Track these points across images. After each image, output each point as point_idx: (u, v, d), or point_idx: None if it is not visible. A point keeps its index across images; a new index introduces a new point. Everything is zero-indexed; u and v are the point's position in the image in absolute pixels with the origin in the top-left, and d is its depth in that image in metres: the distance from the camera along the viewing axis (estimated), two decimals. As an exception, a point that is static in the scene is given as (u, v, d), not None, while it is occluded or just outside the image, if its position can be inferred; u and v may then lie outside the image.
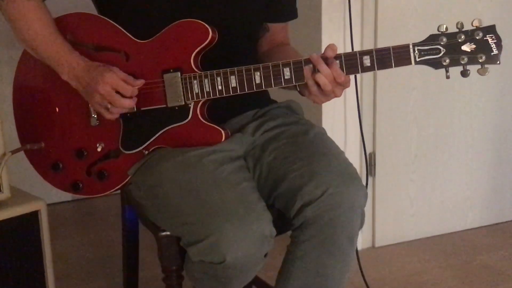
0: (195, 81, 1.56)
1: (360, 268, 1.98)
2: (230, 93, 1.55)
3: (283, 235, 1.69)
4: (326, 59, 1.49)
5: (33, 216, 1.70)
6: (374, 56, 1.47)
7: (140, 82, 1.57)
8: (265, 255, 1.51)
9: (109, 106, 1.56)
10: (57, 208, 2.93)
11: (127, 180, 1.65)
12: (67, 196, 2.99)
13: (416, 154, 2.67)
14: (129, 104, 1.57)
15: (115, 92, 1.55)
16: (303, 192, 1.52)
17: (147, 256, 2.11)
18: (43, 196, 1.79)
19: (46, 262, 1.74)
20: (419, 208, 2.72)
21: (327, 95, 1.53)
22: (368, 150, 2.54)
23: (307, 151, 1.60)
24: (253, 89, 1.54)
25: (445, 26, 1.45)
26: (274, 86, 1.54)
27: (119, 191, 1.85)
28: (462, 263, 2.57)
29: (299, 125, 1.69)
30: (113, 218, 2.46)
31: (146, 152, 1.62)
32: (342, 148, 1.68)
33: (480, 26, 1.44)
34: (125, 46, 1.61)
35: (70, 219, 2.97)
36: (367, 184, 2.46)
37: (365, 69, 1.49)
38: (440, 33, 1.45)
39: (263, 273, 2.08)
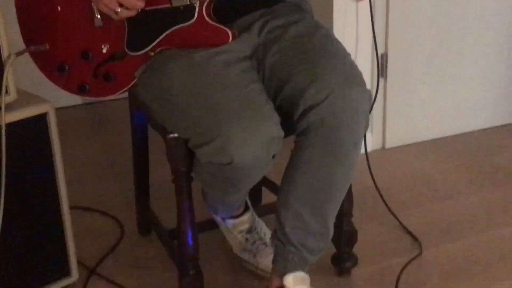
0: None
1: (370, 170, 1.99)
2: (237, -9, 1.51)
3: (292, 137, 1.69)
4: None
5: (41, 119, 1.69)
6: None
7: None
8: (273, 156, 1.51)
9: (118, 9, 1.51)
10: (66, 112, 2.94)
11: (134, 82, 1.63)
12: (76, 100, 2.99)
13: (429, 55, 2.62)
14: (140, 4, 1.52)
15: None
16: (306, 96, 1.49)
17: (157, 159, 2.11)
18: (52, 100, 1.78)
19: (56, 165, 1.74)
20: (431, 109, 2.70)
21: None
22: (380, 51, 2.49)
23: (311, 54, 1.57)
24: None
25: None
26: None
27: (127, 95, 1.84)
28: (474, 164, 2.57)
29: (305, 25, 1.64)
30: (122, 122, 2.46)
31: (152, 53, 1.59)
32: (353, 49, 1.65)
33: None
34: None
35: (79, 124, 2.98)
36: (377, 85, 2.42)
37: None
38: None
39: (272, 175, 2.10)
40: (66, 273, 1.82)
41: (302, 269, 1.63)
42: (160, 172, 2.16)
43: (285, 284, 1.61)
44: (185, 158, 1.59)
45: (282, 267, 1.63)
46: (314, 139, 1.53)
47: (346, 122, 1.51)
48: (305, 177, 1.58)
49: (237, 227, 1.85)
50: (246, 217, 1.84)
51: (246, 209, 1.85)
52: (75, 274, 1.84)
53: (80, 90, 1.65)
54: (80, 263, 1.89)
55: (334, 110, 1.49)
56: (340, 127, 1.51)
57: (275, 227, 1.66)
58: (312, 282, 1.68)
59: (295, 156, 1.59)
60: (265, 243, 1.88)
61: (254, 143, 1.43)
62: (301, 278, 1.62)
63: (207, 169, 1.53)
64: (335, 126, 1.51)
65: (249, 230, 1.86)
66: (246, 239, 1.86)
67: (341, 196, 1.64)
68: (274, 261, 1.67)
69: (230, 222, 1.84)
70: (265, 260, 1.84)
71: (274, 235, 1.66)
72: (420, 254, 2.00)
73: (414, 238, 2.08)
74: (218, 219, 1.86)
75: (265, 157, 1.48)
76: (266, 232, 1.91)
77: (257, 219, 1.91)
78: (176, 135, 1.58)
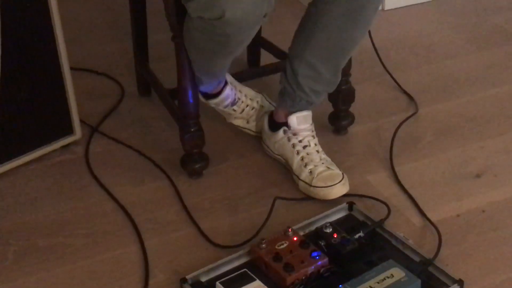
0: None
1: (369, 31, 1.98)
2: None
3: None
4: None
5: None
6: None
7: None
8: (265, 16, 1.49)
9: None
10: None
11: None
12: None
13: None
14: None
15: None
16: None
17: (155, 21, 2.10)
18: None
19: (55, 27, 1.73)
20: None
21: None
22: None
23: None
24: None
25: None
26: None
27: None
28: (472, 24, 2.56)
29: None
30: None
31: None
32: None
33: None
34: None
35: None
36: None
37: None
38: None
39: (272, 36, 2.10)
40: (70, 131, 1.86)
41: (306, 109, 1.75)
42: (158, 34, 2.16)
43: (289, 123, 1.74)
44: (184, 16, 1.58)
45: (289, 105, 1.76)
46: (337, 5, 1.57)
47: None
48: (323, 37, 1.63)
49: (220, 104, 1.85)
50: (225, 93, 1.82)
51: (225, 84, 1.83)
52: (78, 132, 1.88)
53: None
54: (82, 122, 1.93)
55: None
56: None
57: (284, 71, 1.73)
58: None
59: (314, 15, 1.62)
60: (253, 108, 1.89)
61: None
62: (304, 117, 1.75)
63: (197, 26, 1.50)
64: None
65: (234, 103, 1.86)
66: (234, 110, 1.87)
67: (354, 50, 1.70)
68: (281, 98, 1.77)
69: (212, 102, 1.84)
70: (259, 123, 1.87)
71: (284, 79, 1.73)
72: (416, 112, 2.04)
73: (411, 97, 2.11)
74: (203, 100, 1.84)
75: (256, 14, 1.45)
76: (252, 97, 1.90)
77: (238, 87, 1.88)
78: (174, -8, 1.56)
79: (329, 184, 1.66)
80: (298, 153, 1.73)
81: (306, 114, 1.75)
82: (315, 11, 1.63)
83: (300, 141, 1.74)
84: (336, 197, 1.66)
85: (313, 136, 1.76)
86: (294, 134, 1.75)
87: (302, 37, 1.67)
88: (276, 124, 1.79)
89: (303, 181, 1.70)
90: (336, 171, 1.69)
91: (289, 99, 1.74)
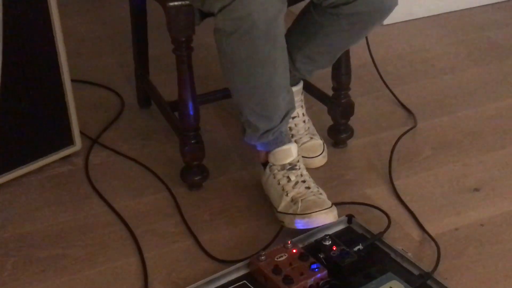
0: None
1: (368, 45, 2.00)
2: None
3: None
4: None
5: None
6: None
7: None
8: None
9: None
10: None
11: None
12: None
13: None
14: None
15: None
16: None
17: (156, 33, 2.12)
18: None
19: (57, 39, 1.74)
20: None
21: None
22: None
23: None
24: None
25: None
26: None
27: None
28: (469, 40, 2.58)
29: None
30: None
31: None
32: None
33: None
34: None
35: (76, -2, 2.96)
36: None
37: None
38: None
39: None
40: (70, 142, 1.87)
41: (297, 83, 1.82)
42: (159, 46, 2.17)
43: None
44: (185, 26, 1.60)
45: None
46: (340, 23, 1.62)
47: (378, 14, 1.60)
48: (325, 43, 1.68)
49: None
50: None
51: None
52: (78, 143, 1.88)
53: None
54: (82, 133, 1.94)
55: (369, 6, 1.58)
56: (370, 18, 1.61)
57: None
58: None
59: (318, 24, 1.65)
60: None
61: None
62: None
63: (232, 40, 1.47)
64: (368, 16, 1.60)
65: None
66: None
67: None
68: None
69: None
70: None
71: None
72: (414, 126, 2.05)
73: (409, 111, 2.12)
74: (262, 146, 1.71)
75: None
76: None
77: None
78: (176, 3, 1.56)
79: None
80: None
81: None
82: (318, 21, 1.65)
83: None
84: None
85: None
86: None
87: (303, 36, 1.70)
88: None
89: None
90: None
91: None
